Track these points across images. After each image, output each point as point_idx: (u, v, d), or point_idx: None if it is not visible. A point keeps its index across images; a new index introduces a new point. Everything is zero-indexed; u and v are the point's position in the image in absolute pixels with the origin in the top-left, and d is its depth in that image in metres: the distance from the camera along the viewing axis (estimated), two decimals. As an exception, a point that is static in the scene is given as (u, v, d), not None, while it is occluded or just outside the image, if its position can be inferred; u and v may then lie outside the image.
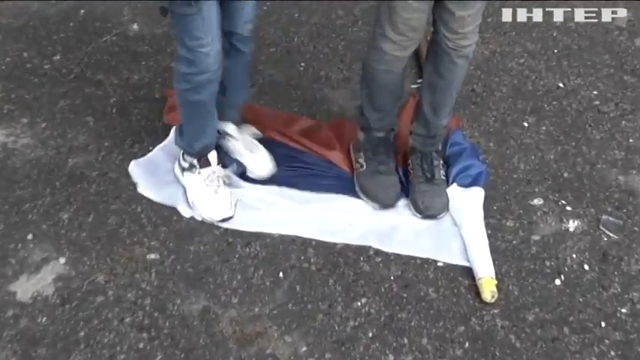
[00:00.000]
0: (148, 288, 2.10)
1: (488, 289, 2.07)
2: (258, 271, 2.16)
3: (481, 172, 2.38)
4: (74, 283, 2.11)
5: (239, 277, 2.14)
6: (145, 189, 2.36)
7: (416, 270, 2.17)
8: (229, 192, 2.30)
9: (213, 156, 2.29)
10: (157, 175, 2.40)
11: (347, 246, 2.23)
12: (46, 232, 2.24)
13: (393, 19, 2.01)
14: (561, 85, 2.88)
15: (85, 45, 2.95)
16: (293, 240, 2.25)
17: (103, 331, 1.99)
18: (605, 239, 2.28)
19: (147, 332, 1.99)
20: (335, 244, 2.24)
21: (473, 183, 2.35)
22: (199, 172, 2.27)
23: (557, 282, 2.15)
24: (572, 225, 2.31)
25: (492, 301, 2.06)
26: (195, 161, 2.28)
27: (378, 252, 2.22)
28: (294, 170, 2.44)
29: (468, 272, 2.15)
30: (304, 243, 2.24)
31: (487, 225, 2.28)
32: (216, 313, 2.05)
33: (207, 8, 1.91)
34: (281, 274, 2.15)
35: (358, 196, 2.36)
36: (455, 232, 2.25)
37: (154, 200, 2.34)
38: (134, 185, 2.38)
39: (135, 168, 2.41)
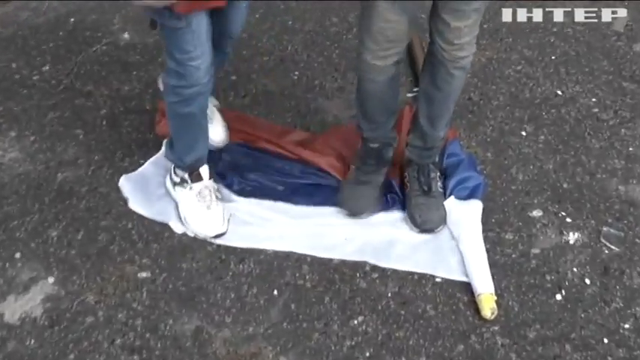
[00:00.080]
0: (139, 308, 2.05)
1: (488, 306, 2.02)
2: (252, 289, 2.11)
3: (479, 184, 2.34)
4: (63, 303, 2.05)
5: (232, 295, 2.09)
6: (135, 204, 2.31)
7: (413, 286, 2.12)
8: (222, 207, 2.25)
9: (205, 170, 2.24)
10: (148, 190, 2.35)
11: (343, 262, 2.18)
12: (34, 250, 2.19)
13: (370, 28, 1.98)
14: (559, 92, 2.83)
15: (75, 55, 2.90)
16: (287, 256, 2.20)
17: (93, 353, 1.94)
18: (607, 252, 2.23)
19: (138, 354, 1.94)
20: (330, 260, 2.19)
21: (471, 195, 2.31)
22: (191, 187, 2.22)
23: (558, 297, 2.10)
24: (573, 237, 2.27)
25: (492, 317, 2.02)
26: (186, 175, 2.23)
27: (374, 267, 2.17)
28: (288, 183, 2.40)
29: (467, 288, 2.10)
30: (299, 259, 2.19)
31: (486, 238, 2.23)
32: (210, 334, 2.00)
33: (197, 22, 1.86)
34: (275, 292, 2.11)
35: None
36: (453, 246, 2.21)
37: (145, 216, 2.29)
38: (125, 200, 2.33)
39: (125, 183, 2.36)
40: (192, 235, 2.23)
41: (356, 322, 2.03)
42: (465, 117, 2.69)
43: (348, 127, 2.55)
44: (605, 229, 2.29)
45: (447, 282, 2.13)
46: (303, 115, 2.69)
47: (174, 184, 2.27)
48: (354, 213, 2.29)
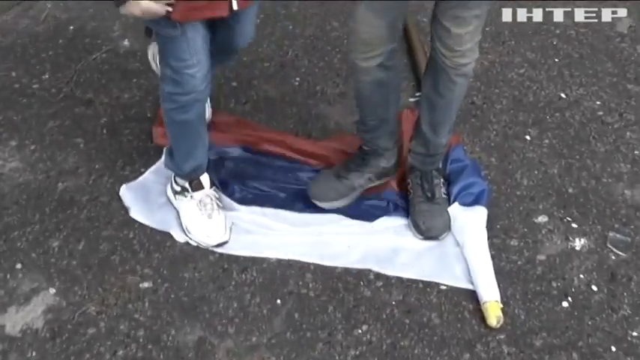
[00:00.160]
0: (141, 318, 2.03)
1: (494, 314, 2.00)
2: (255, 298, 2.09)
3: (483, 190, 2.31)
4: (65, 314, 2.03)
5: (235, 305, 2.07)
6: (137, 213, 2.29)
7: (418, 294, 2.10)
8: (224, 215, 2.23)
9: (205, 179, 2.22)
10: (149, 199, 2.33)
11: (346, 270, 2.16)
12: (35, 261, 2.17)
13: (351, 29, 2.00)
14: (563, 95, 2.81)
15: (75, 63, 2.88)
16: (290, 264, 2.18)
17: (95, 365, 1.92)
18: (613, 258, 2.21)
19: (140, 366, 1.92)
20: (334, 269, 2.17)
21: (475, 202, 2.28)
22: (192, 196, 2.21)
23: (565, 304, 2.08)
24: (579, 243, 2.25)
25: (498, 326, 1.99)
26: (187, 184, 2.21)
27: (378, 276, 2.15)
28: (290, 190, 2.38)
29: (472, 296, 2.08)
30: (302, 267, 2.17)
31: (491, 245, 2.21)
32: (212, 344, 1.97)
33: (192, 31, 1.84)
34: (279, 301, 2.08)
35: (355, 217, 2.30)
36: (457, 253, 2.18)
37: (147, 225, 2.27)
38: (126, 209, 2.31)
39: (126, 192, 2.34)
40: (194, 244, 2.21)
41: (360, 331, 2.01)
42: (469, 121, 2.67)
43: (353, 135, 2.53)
44: (611, 234, 2.27)
45: (452, 290, 2.11)
46: (304, 122, 2.67)
47: (175, 192, 2.25)
48: (313, 196, 2.28)
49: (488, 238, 2.21)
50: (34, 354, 1.94)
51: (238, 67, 2.83)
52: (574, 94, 2.82)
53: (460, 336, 2.00)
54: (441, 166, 2.32)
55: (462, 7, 1.88)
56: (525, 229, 2.28)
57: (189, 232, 2.21)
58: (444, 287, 2.11)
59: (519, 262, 2.19)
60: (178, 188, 2.23)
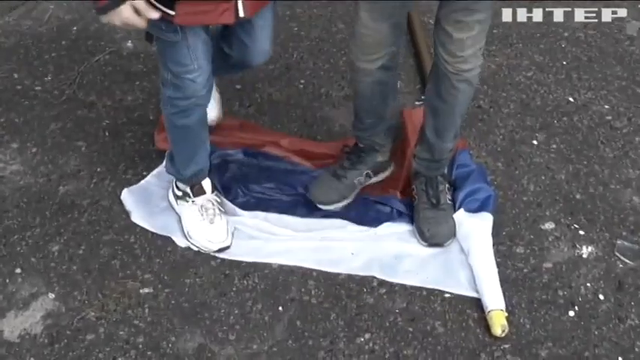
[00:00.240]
0: (141, 325, 2.01)
1: (499, 323, 1.96)
2: (257, 304, 2.06)
3: (489, 196, 2.27)
4: (64, 320, 2.01)
5: (236, 311, 2.04)
6: (138, 218, 2.27)
7: (422, 302, 2.07)
8: (226, 220, 2.20)
9: (207, 183, 2.20)
10: (151, 203, 2.31)
11: (349, 276, 2.13)
12: (35, 265, 2.15)
13: (354, 32, 1.98)
14: (571, 99, 2.77)
15: (78, 65, 2.87)
16: (292, 270, 2.15)
17: (93, 372, 1.90)
18: (621, 266, 2.17)
19: (139, 374, 1.90)
20: (337, 275, 2.14)
21: (481, 208, 2.24)
22: (193, 201, 2.18)
23: (571, 313, 2.04)
24: (586, 251, 2.21)
25: (503, 335, 1.96)
26: (188, 189, 2.19)
27: (382, 283, 2.11)
28: (294, 194, 2.35)
29: (477, 304, 2.05)
30: (305, 274, 2.14)
31: (496, 252, 2.17)
32: (213, 351, 1.95)
33: (193, 36, 1.82)
34: (280, 308, 2.06)
35: (359, 223, 2.27)
36: (462, 260, 2.15)
37: (148, 229, 2.24)
38: (127, 213, 2.29)
39: (128, 196, 2.32)
40: (195, 249, 2.19)
41: (363, 339, 1.98)
42: (475, 125, 2.63)
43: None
44: (619, 242, 2.23)
45: (457, 298, 2.07)
46: (309, 125, 2.64)
47: (177, 197, 2.23)
48: (314, 199, 2.27)
49: (494, 245, 2.18)
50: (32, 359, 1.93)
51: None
52: (582, 98, 2.78)
53: (464, 345, 1.96)
54: (446, 171, 2.29)
55: (464, 12, 1.85)
56: (531, 236, 2.25)
57: (190, 237, 2.19)
58: (449, 295, 2.08)
59: (525, 270, 2.15)
60: (180, 193, 2.21)
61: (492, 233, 2.21)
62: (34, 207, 2.31)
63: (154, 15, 1.69)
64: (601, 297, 2.08)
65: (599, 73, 2.90)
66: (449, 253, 2.18)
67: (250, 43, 2.00)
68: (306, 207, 2.30)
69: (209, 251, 2.17)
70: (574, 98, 2.77)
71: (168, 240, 2.22)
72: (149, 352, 1.94)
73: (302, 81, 2.84)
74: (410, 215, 2.26)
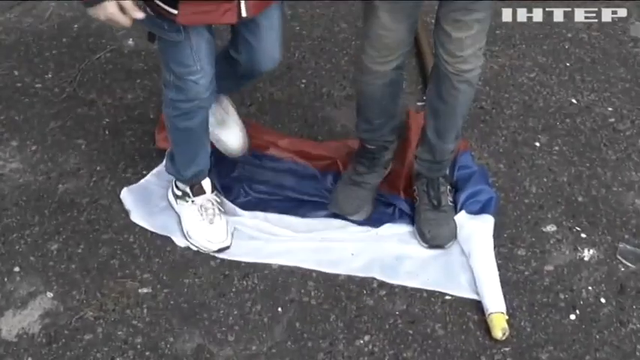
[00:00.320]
0: (139, 325, 1.99)
1: (499, 326, 1.95)
2: (256, 305, 2.05)
3: (491, 197, 2.26)
4: (62, 319, 2.00)
5: (235, 312, 2.03)
6: (137, 217, 2.26)
7: (422, 304, 2.06)
8: (226, 221, 2.19)
9: (207, 183, 2.18)
10: (151, 202, 2.30)
11: (349, 278, 2.12)
12: (33, 264, 2.14)
13: (369, 34, 1.95)
14: (574, 101, 2.75)
15: (79, 62, 2.85)
16: (292, 271, 2.14)
17: (91, 372, 1.89)
18: (623, 269, 2.15)
19: (137, 374, 1.89)
20: (337, 276, 2.12)
21: (482, 210, 2.23)
22: (193, 201, 2.17)
23: (572, 317, 2.03)
24: (588, 254, 2.19)
25: (503, 338, 1.94)
26: (187, 189, 2.17)
27: (382, 284, 2.10)
28: (294, 193, 2.34)
29: (478, 306, 2.03)
30: (304, 275, 2.13)
31: (497, 254, 2.16)
32: (211, 352, 1.94)
33: (196, 36, 1.80)
34: (280, 309, 2.04)
35: (359, 223, 2.26)
36: (463, 262, 2.14)
37: (148, 229, 2.23)
38: (126, 213, 2.28)
39: (127, 195, 2.31)
40: (195, 249, 2.18)
41: (362, 341, 1.97)
42: (477, 126, 2.62)
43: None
44: (621, 245, 2.21)
45: (457, 300, 2.06)
46: (310, 125, 2.63)
47: (176, 197, 2.22)
48: (346, 213, 2.25)
49: (495, 247, 2.17)
50: (29, 359, 1.91)
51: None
52: (585, 99, 2.76)
53: (464, 348, 1.95)
54: (448, 172, 2.28)
55: (463, 11, 1.84)
56: (533, 239, 2.23)
57: (190, 237, 2.18)
58: (449, 297, 2.07)
59: (526, 273, 2.14)
60: (179, 193, 2.20)
61: (493, 235, 2.19)
62: (33, 205, 2.30)
63: (139, 15, 1.68)
64: (602, 300, 2.07)
65: (603, 74, 2.88)
66: (450, 255, 2.16)
67: (256, 43, 1.95)
68: (308, 207, 2.29)
69: (208, 251, 2.16)
70: (577, 100, 2.76)
71: (167, 240, 2.21)
72: (147, 353, 1.93)
73: (303, 80, 2.82)
74: (411, 216, 2.25)
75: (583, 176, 2.44)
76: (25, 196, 2.33)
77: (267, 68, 2.05)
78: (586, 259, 2.18)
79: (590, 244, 2.22)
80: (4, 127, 2.57)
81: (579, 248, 2.21)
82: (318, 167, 2.42)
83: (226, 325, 2.00)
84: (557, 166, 2.48)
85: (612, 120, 2.67)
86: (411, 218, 2.25)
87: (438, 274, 2.12)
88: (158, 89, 2.67)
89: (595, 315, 2.03)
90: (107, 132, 2.56)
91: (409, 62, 2.80)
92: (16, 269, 2.12)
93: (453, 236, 2.18)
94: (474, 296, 2.05)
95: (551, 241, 2.23)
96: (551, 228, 2.27)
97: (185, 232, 2.19)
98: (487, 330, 1.97)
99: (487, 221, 2.20)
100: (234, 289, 2.09)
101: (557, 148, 2.55)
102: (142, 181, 2.36)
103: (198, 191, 2.17)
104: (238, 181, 2.36)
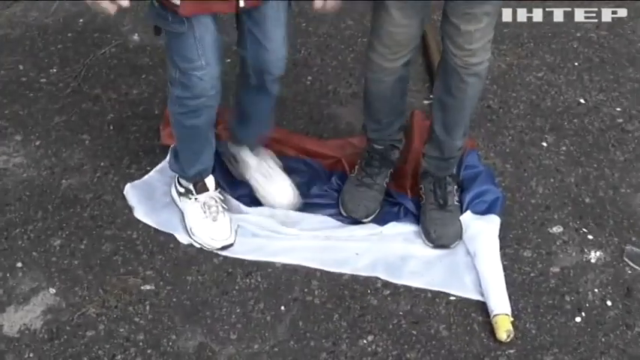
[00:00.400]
0: (141, 322, 1.98)
1: (504, 328, 1.93)
2: (259, 304, 2.04)
3: (497, 198, 2.24)
4: (64, 315, 1.99)
5: (238, 310, 2.02)
6: (141, 213, 2.24)
7: (426, 304, 2.04)
8: (229, 218, 2.18)
9: (210, 180, 2.17)
10: (154, 199, 2.28)
11: (353, 277, 2.10)
12: (36, 259, 2.13)
13: (379, 30, 1.95)
14: (582, 101, 2.73)
15: (84, 57, 2.84)
16: (296, 270, 2.12)
17: (93, 369, 1.88)
18: (630, 272, 2.13)
19: (139, 372, 1.88)
20: (341, 275, 2.11)
21: (488, 210, 2.21)
22: (196, 198, 2.15)
23: (578, 319, 2.01)
24: (594, 256, 2.17)
25: (508, 340, 1.93)
26: (191, 186, 2.16)
27: (386, 284, 2.09)
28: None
29: (482, 308, 2.01)
30: (308, 274, 2.11)
31: (503, 255, 2.13)
32: (213, 350, 1.92)
33: (200, 27, 1.78)
34: (283, 308, 2.03)
35: (364, 222, 2.24)
36: (468, 263, 2.12)
37: (151, 225, 2.22)
38: (130, 209, 2.26)
39: (131, 191, 2.30)
40: (198, 246, 2.16)
41: (365, 341, 1.95)
42: (484, 126, 2.60)
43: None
44: (628, 247, 2.19)
45: (462, 301, 2.04)
46: (315, 122, 2.61)
47: (179, 194, 2.21)
48: (356, 216, 2.22)
49: (501, 248, 2.15)
50: (31, 355, 1.90)
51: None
52: (593, 99, 2.74)
53: (468, 349, 1.93)
54: (455, 172, 2.26)
55: (472, 4, 1.83)
56: (539, 240, 2.21)
57: (193, 234, 2.16)
58: (453, 298, 2.05)
59: (532, 274, 2.12)
60: (182, 190, 2.19)
61: (499, 236, 2.17)
62: (37, 200, 2.29)
63: (125, 3, 1.66)
64: (609, 303, 2.05)
65: (611, 74, 2.86)
66: (455, 255, 2.15)
67: (261, 35, 1.91)
68: (314, 205, 2.28)
69: (212, 249, 2.15)
70: (585, 100, 2.74)
71: (170, 236, 2.19)
72: (149, 350, 1.92)
73: (309, 78, 2.81)
74: (416, 215, 2.23)
75: (590, 177, 2.42)
76: (28, 191, 2.32)
77: (275, 67, 1.99)
78: (592, 261, 2.16)
79: (597, 246, 2.20)
80: (8, 121, 2.56)
81: (586, 250, 2.19)
82: (323, 165, 2.41)
83: (229, 323, 1.99)
84: (565, 166, 2.46)
85: (620, 120, 2.64)
86: (417, 217, 2.24)
87: (442, 274, 2.10)
88: (163, 85, 2.67)
89: (601, 318, 2.01)
90: (111, 127, 2.55)
91: (415, 60, 2.78)
92: (19, 265, 2.11)
93: (459, 236, 2.17)
94: (479, 297, 2.04)
95: (558, 243, 2.21)
96: (557, 229, 2.25)
97: (188, 229, 2.18)
98: (491, 331, 1.95)
99: (493, 222, 2.18)
100: (237, 287, 2.07)
101: (564, 148, 2.53)
102: (146, 177, 2.35)
103: (202, 189, 2.15)
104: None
